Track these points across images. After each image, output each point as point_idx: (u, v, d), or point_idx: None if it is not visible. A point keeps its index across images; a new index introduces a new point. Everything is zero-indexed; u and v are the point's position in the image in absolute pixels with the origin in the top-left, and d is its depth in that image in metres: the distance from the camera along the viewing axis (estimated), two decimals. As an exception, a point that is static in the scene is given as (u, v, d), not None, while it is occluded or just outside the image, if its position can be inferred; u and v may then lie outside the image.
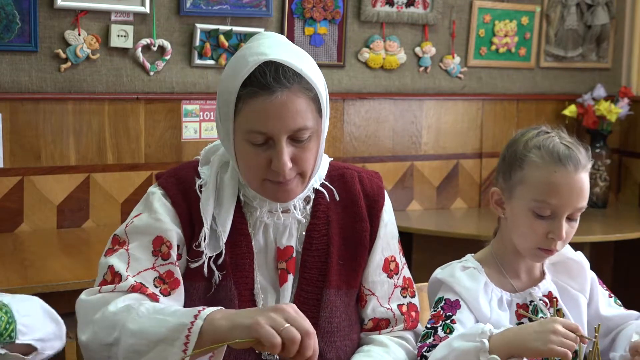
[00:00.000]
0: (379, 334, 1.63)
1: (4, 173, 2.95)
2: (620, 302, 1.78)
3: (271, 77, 1.42)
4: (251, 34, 3.20)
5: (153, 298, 1.45)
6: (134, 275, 1.46)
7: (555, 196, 1.58)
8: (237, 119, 1.46)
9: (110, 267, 1.48)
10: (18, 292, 2.28)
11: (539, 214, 1.60)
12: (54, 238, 2.95)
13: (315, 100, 1.47)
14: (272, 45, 1.48)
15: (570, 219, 1.62)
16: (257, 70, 1.43)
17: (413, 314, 1.66)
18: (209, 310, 1.31)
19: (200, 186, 1.56)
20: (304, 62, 1.47)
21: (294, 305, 1.29)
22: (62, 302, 2.39)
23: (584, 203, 1.61)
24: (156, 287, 1.48)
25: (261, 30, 3.24)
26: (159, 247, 1.50)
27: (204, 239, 1.51)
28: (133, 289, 1.44)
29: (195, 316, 1.30)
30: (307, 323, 1.26)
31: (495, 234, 1.76)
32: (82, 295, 1.48)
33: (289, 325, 1.24)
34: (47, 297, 2.34)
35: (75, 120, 3.05)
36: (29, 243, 2.84)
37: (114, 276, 1.47)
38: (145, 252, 1.50)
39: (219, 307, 1.34)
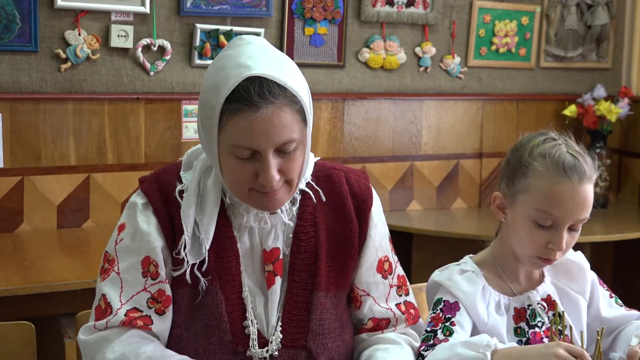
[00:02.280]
0: (382, 333, 1.62)
1: (4, 173, 2.95)
2: (621, 302, 1.77)
3: (255, 93, 1.39)
4: (251, 34, 3.19)
5: (144, 328, 1.49)
6: (126, 301, 1.49)
7: (558, 207, 1.56)
8: (221, 134, 1.44)
9: (104, 295, 1.51)
10: (18, 292, 2.31)
11: (540, 224, 1.58)
12: (54, 238, 2.95)
13: (301, 111, 1.45)
14: (253, 55, 1.44)
15: (571, 229, 1.60)
16: (240, 86, 1.40)
17: (412, 311, 1.65)
18: None
19: (181, 192, 1.54)
20: (286, 72, 1.44)
21: None
22: (62, 302, 2.41)
23: (586, 214, 1.59)
24: (150, 307, 1.50)
25: (261, 30, 3.25)
26: (147, 267, 1.51)
27: (184, 247, 1.51)
28: (124, 324, 1.48)
29: None
30: None
31: (497, 234, 1.75)
32: (80, 335, 1.52)
33: None
34: (47, 297, 2.38)
35: (75, 120, 3.05)
36: (29, 243, 2.84)
37: (107, 306, 1.50)
38: (135, 273, 1.51)
39: None
